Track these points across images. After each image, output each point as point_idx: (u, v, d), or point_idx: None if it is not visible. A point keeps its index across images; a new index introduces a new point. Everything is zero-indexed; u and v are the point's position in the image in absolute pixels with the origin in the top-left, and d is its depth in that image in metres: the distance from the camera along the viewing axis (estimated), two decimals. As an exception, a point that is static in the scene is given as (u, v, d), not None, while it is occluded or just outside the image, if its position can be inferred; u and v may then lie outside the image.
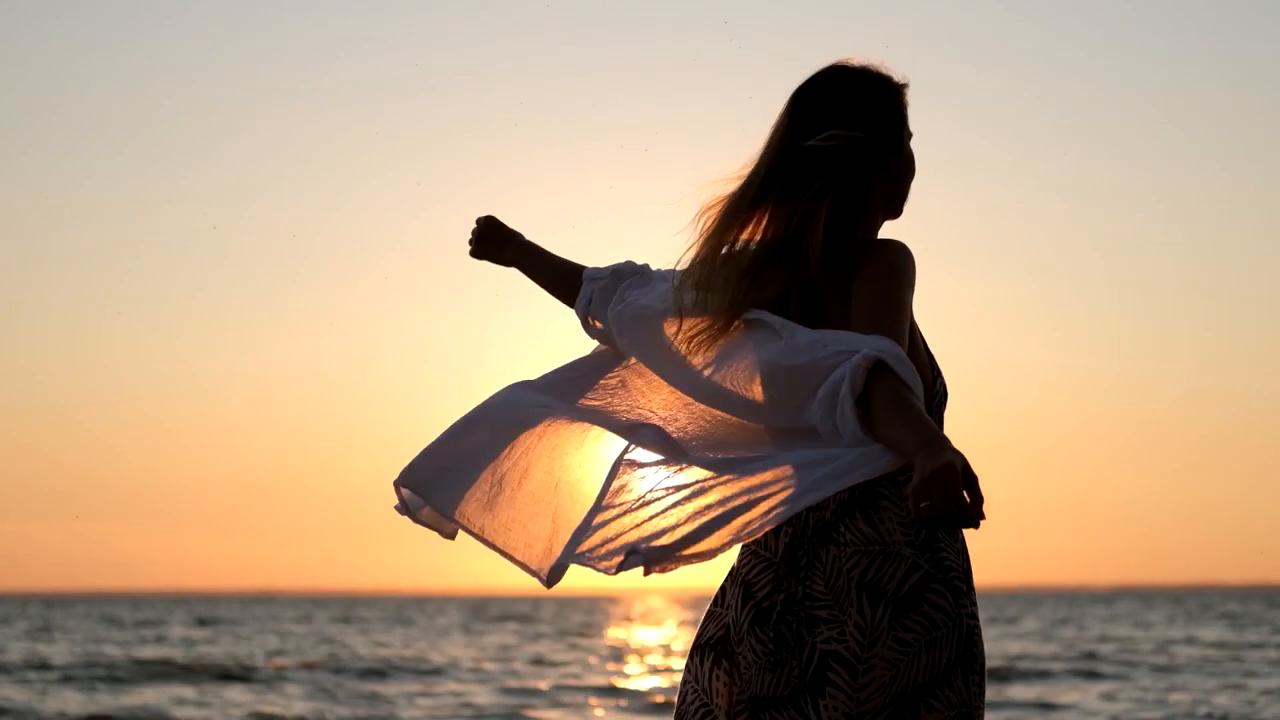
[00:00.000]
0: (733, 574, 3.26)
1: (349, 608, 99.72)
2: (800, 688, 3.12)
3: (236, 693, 25.04)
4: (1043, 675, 28.45)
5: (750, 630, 3.17)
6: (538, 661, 34.80)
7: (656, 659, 36.92)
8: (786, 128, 3.20)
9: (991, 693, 24.39)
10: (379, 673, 29.81)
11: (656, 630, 57.85)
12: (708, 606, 3.31)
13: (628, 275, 3.46)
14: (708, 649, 3.26)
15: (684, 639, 48.56)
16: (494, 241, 3.77)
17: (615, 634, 53.85)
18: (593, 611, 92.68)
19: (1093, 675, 28.70)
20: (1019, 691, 24.82)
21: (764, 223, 3.20)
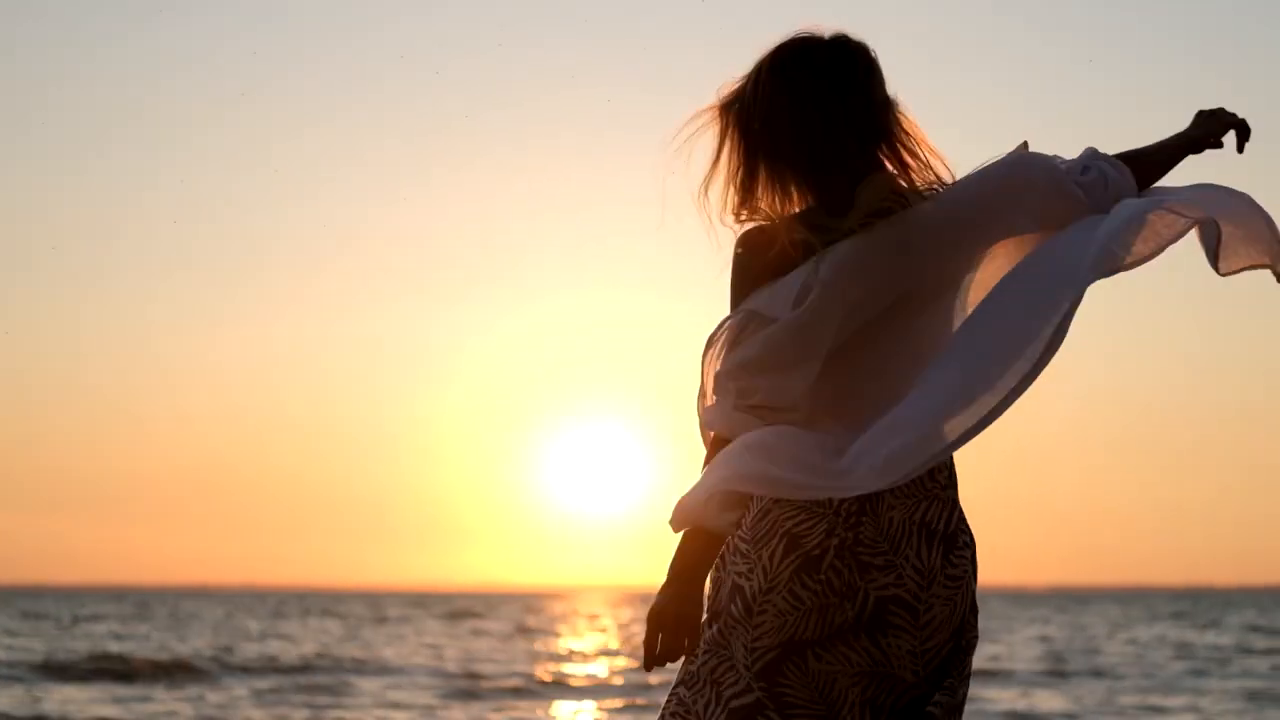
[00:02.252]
0: (764, 534, 3.32)
1: (295, 603, 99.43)
2: (854, 628, 3.28)
3: (162, 690, 24.51)
4: (1011, 675, 28.34)
5: (794, 577, 3.28)
6: (471, 657, 34.52)
7: (587, 655, 36.62)
8: (803, 94, 3.33)
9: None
10: (312, 669, 29.36)
11: (593, 626, 57.71)
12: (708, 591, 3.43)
13: None
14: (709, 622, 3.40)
15: (615, 637, 48.40)
16: (690, 618, 3.43)
17: (551, 630, 53.66)
18: (533, 610, 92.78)
19: (1059, 675, 28.51)
20: (993, 693, 24.57)
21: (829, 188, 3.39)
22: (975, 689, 25.34)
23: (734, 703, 3.31)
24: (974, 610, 3.37)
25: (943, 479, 3.35)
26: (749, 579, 3.30)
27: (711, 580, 3.39)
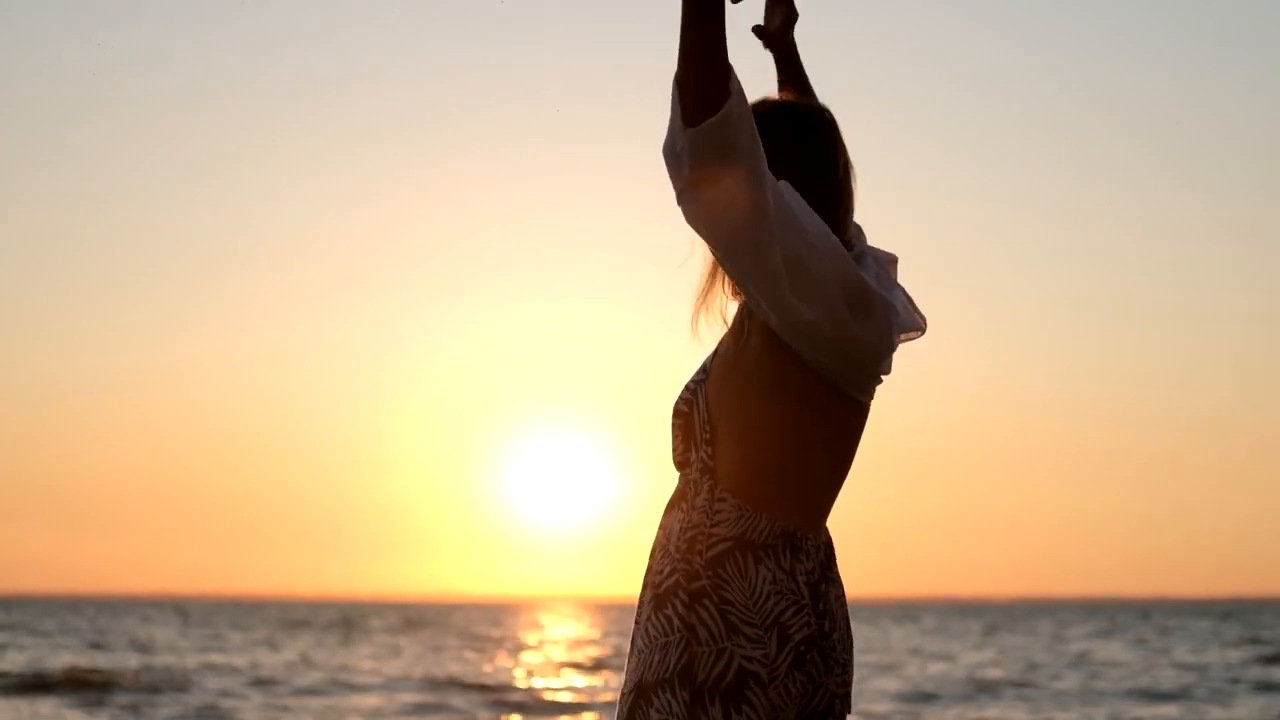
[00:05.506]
0: (766, 621, 3.21)
1: (253, 613, 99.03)
2: None
3: (121, 703, 24.02)
4: (985, 691, 28.02)
5: (789, 672, 3.21)
6: (431, 668, 34.14)
7: (548, 668, 36.30)
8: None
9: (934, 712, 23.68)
10: (272, 681, 28.87)
11: (555, 639, 57.35)
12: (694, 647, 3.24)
13: None
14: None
15: (576, 650, 48.15)
16: None
17: (512, 642, 53.33)
18: (494, 620, 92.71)
19: (1025, 690, 28.15)
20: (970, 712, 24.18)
21: None
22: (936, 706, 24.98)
23: None
24: None
25: None
26: (764, 666, 3.21)
27: (674, 645, 3.20)
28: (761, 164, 3.08)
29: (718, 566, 3.21)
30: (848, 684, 3.30)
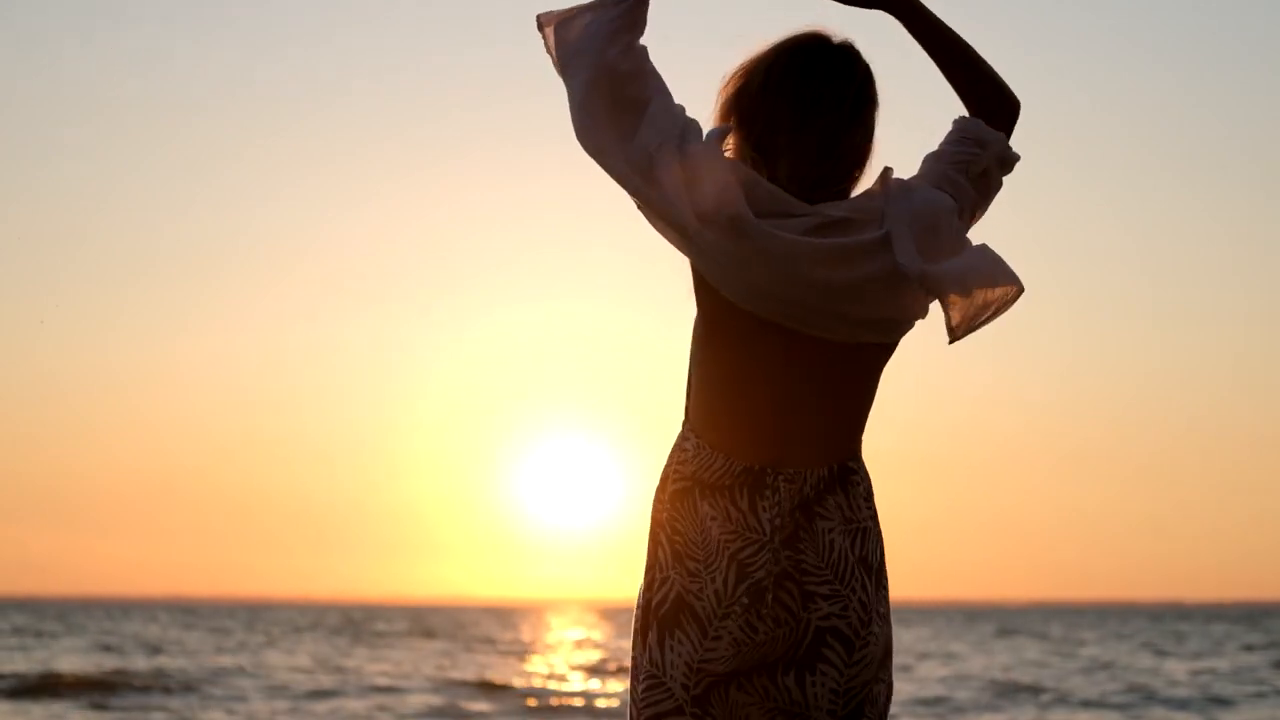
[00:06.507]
0: (712, 553, 3.27)
1: (261, 615, 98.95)
2: (786, 662, 3.25)
3: (138, 710, 23.77)
4: (997, 700, 27.76)
5: (750, 608, 3.24)
6: (443, 672, 34.00)
7: (559, 673, 36.16)
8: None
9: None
10: (285, 687, 28.73)
11: (566, 642, 57.21)
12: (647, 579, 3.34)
13: None
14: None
15: (588, 653, 48.05)
16: None
17: (524, 645, 53.22)
18: (505, 623, 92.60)
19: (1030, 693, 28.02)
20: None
21: None
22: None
23: None
24: (890, 652, 3.36)
25: (871, 509, 3.32)
26: (700, 599, 3.28)
27: (646, 572, 3.34)
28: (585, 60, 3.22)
29: (677, 501, 3.33)
30: (843, 615, 3.26)
